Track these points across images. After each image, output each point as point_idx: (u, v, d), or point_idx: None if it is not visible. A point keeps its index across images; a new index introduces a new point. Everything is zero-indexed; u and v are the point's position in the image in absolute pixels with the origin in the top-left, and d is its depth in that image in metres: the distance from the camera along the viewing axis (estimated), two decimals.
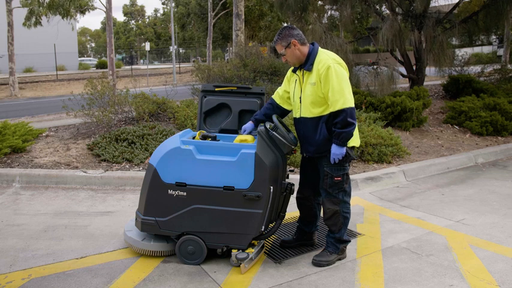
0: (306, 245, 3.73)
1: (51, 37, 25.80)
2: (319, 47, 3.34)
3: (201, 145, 3.35)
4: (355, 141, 3.36)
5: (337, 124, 3.18)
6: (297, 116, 3.43)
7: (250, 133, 3.58)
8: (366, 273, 3.29)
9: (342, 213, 3.41)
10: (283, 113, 3.62)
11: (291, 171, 3.74)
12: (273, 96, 3.64)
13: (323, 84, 3.18)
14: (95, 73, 27.88)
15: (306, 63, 3.29)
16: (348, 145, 3.29)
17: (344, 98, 3.12)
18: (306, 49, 3.29)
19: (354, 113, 3.17)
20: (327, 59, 3.20)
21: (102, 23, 75.54)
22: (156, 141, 6.28)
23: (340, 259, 3.49)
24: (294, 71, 3.43)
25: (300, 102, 3.37)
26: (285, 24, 3.43)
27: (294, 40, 3.25)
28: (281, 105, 3.59)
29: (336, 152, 3.23)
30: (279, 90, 3.62)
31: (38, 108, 13.86)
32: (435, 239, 3.88)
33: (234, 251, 3.32)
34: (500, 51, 19.07)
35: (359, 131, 6.33)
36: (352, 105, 3.18)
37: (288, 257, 3.56)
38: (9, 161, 6.02)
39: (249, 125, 3.59)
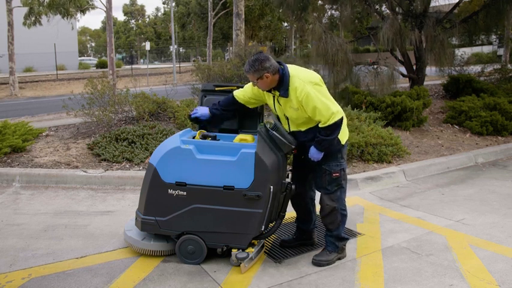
0: (305, 244, 3.74)
1: (51, 37, 25.82)
2: (289, 68, 3.28)
3: (201, 145, 3.35)
4: (346, 135, 3.43)
5: (323, 131, 3.23)
6: (287, 130, 3.48)
7: (199, 118, 3.63)
8: (365, 272, 3.29)
9: (339, 211, 3.44)
10: (234, 112, 3.68)
11: (291, 170, 3.75)
12: (236, 96, 3.61)
13: (306, 109, 3.20)
14: (95, 73, 27.88)
15: (279, 89, 3.27)
16: (342, 143, 3.37)
17: (333, 113, 3.16)
18: (277, 76, 3.25)
19: (342, 122, 3.24)
20: (303, 85, 3.17)
21: (102, 22, 75.60)
22: (156, 140, 6.28)
23: (340, 258, 3.50)
24: (269, 91, 3.37)
25: (286, 118, 3.41)
26: (257, 55, 3.34)
27: (267, 73, 3.21)
28: (244, 104, 3.62)
29: (314, 155, 3.32)
30: (246, 94, 3.58)
31: (38, 107, 13.86)
32: (435, 239, 3.88)
33: (234, 251, 3.32)
34: (501, 51, 19.07)
35: (359, 131, 6.34)
36: (342, 115, 3.23)
37: (288, 256, 3.56)
38: (9, 160, 6.02)
39: (205, 111, 3.62)
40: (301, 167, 3.60)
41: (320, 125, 3.23)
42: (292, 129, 3.44)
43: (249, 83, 3.61)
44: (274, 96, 3.39)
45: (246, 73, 3.32)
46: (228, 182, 3.24)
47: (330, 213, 3.42)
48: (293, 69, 3.30)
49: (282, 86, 3.26)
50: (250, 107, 3.65)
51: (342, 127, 3.31)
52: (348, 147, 5.82)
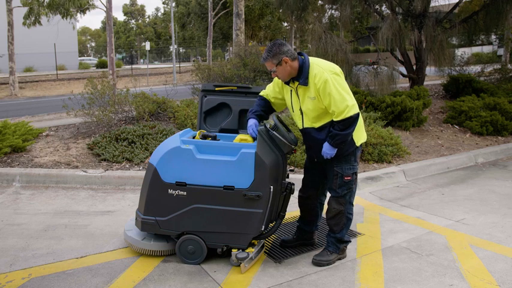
0: (306, 244, 3.73)
1: (51, 36, 25.79)
2: (309, 57, 3.26)
3: (201, 145, 3.35)
4: (362, 137, 3.38)
5: (337, 125, 3.16)
6: (300, 126, 3.42)
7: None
8: (366, 272, 3.29)
9: (346, 214, 3.41)
10: (272, 110, 3.60)
11: (291, 170, 3.74)
12: (264, 96, 3.55)
13: (323, 98, 3.14)
14: (95, 72, 27.91)
15: (299, 77, 3.22)
16: (357, 144, 3.32)
17: (348, 106, 3.09)
18: (296, 63, 3.20)
19: (357, 118, 3.17)
20: (322, 72, 3.13)
21: (103, 22, 75.59)
22: (156, 140, 6.28)
23: (340, 259, 3.49)
24: (287, 83, 3.35)
25: (301, 113, 3.34)
26: (276, 40, 3.30)
27: (285, 57, 3.16)
28: (272, 106, 3.56)
29: (327, 151, 3.25)
30: (269, 94, 3.52)
31: (38, 107, 13.86)
32: (435, 239, 3.88)
33: (234, 251, 3.32)
34: (501, 51, 19.04)
35: None
36: (358, 110, 3.16)
37: (288, 256, 3.56)
38: (9, 160, 6.02)
39: (254, 123, 3.42)
40: (313, 170, 3.55)
41: (334, 118, 3.16)
42: (306, 125, 3.35)
43: (270, 84, 3.55)
44: (291, 90, 3.34)
45: (263, 62, 3.25)
46: (228, 182, 3.24)
47: (336, 216, 3.41)
48: (313, 59, 3.27)
49: (301, 74, 3.20)
50: (276, 109, 3.56)
51: (358, 127, 3.26)
52: None
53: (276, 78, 3.45)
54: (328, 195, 3.54)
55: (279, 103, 3.54)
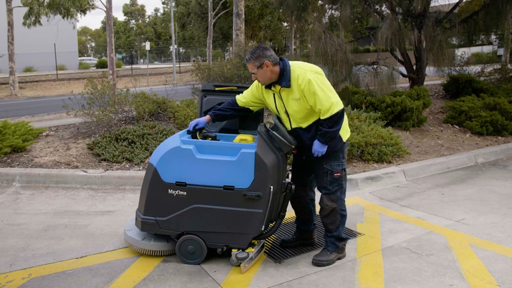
0: (306, 244, 3.74)
1: (51, 36, 25.80)
2: (290, 61, 3.32)
3: (201, 145, 3.35)
4: (347, 133, 3.46)
5: (325, 123, 3.22)
6: (289, 128, 3.45)
7: (201, 128, 3.53)
8: (365, 272, 3.29)
9: (339, 211, 3.44)
10: (245, 111, 3.62)
11: (291, 170, 3.75)
12: (237, 99, 3.58)
13: (308, 98, 3.20)
14: (95, 72, 27.91)
15: (281, 81, 3.27)
16: (344, 140, 3.39)
17: (333, 103, 3.16)
18: (277, 68, 3.27)
19: (343, 114, 3.24)
20: (304, 73, 3.20)
21: (103, 22, 75.58)
22: (156, 140, 6.28)
23: (339, 258, 3.50)
24: (269, 87, 3.39)
25: (288, 116, 3.39)
26: (259, 44, 3.38)
27: (267, 61, 3.22)
28: (244, 106, 3.59)
29: (318, 149, 3.30)
30: (245, 97, 3.56)
31: (38, 107, 13.86)
32: (435, 239, 3.88)
33: (234, 251, 3.32)
34: (501, 51, 19.03)
35: (359, 131, 6.34)
36: (342, 106, 3.23)
37: (288, 256, 3.57)
38: (9, 160, 6.02)
39: (202, 121, 3.53)
40: (301, 168, 3.59)
41: (321, 117, 3.22)
42: (294, 126, 3.40)
43: (248, 89, 3.59)
44: (274, 94, 3.39)
45: (246, 62, 3.32)
46: (228, 182, 3.24)
47: (330, 213, 3.43)
48: (294, 62, 3.35)
49: (283, 77, 3.26)
50: (252, 109, 3.62)
51: (343, 123, 3.32)
52: (348, 147, 5.83)
53: (256, 82, 3.48)
54: (318, 193, 3.56)
55: (255, 105, 3.57)
